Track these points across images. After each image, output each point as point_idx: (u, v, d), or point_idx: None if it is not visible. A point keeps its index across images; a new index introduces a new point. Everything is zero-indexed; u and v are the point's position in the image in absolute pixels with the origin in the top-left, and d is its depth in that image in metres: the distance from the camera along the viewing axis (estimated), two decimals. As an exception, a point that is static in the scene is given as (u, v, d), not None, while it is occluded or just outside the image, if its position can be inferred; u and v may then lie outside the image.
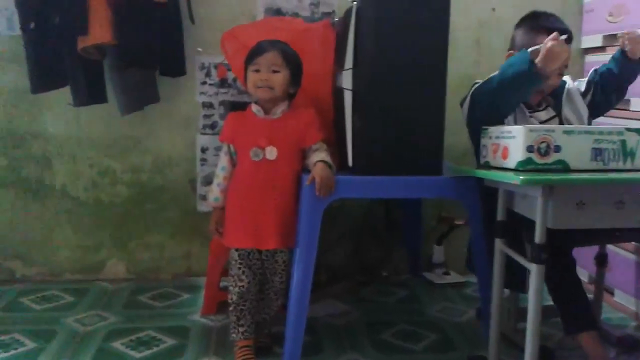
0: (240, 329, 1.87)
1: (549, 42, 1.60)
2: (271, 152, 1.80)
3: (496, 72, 1.76)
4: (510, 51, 1.91)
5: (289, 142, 1.82)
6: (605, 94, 1.97)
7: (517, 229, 1.72)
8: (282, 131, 1.82)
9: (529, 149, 1.49)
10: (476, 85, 1.87)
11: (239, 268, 1.86)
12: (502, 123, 1.78)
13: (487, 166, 1.69)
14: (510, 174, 1.47)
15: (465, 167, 1.79)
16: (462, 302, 2.42)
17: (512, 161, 1.54)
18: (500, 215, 1.71)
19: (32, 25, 2.19)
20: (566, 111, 1.92)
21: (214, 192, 1.91)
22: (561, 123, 1.89)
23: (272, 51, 1.80)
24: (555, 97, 1.93)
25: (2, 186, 2.56)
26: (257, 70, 1.80)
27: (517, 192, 1.64)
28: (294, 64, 1.83)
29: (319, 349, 1.98)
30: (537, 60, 1.61)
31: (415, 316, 2.28)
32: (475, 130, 1.82)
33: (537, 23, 1.87)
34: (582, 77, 2.07)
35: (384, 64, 1.73)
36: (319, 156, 1.77)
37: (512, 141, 1.54)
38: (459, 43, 2.55)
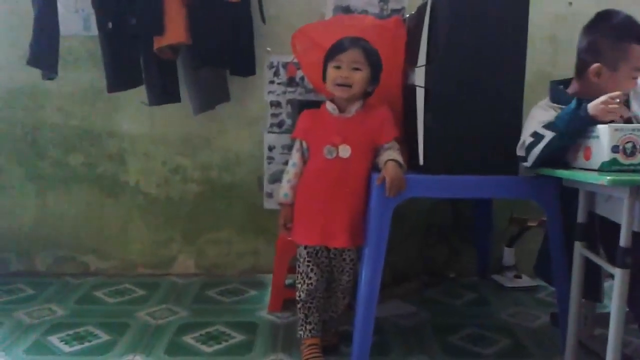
0: (308, 327, 1.87)
1: (607, 103, 1.50)
2: (344, 150, 1.79)
3: (548, 133, 1.60)
4: (597, 64, 1.71)
5: (363, 140, 1.80)
6: None
7: (592, 231, 1.65)
8: (356, 129, 1.80)
9: (614, 149, 1.42)
10: (535, 151, 1.64)
11: (307, 266, 1.85)
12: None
13: (568, 167, 1.62)
14: (596, 175, 1.40)
15: (543, 167, 1.72)
16: (535, 307, 2.34)
17: (595, 162, 1.47)
18: (581, 217, 1.64)
19: (110, 25, 2.26)
20: (636, 108, 1.80)
21: (284, 188, 1.88)
22: (630, 121, 1.77)
23: (354, 49, 1.78)
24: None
25: (79, 182, 2.66)
26: (338, 67, 1.79)
27: (599, 194, 1.57)
28: (375, 62, 1.81)
29: (387, 350, 1.95)
30: (592, 113, 1.51)
31: (485, 320, 2.21)
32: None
33: (627, 32, 1.70)
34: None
35: (459, 60, 1.69)
36: (390, 155, 1.74)
37: (596, 141, 1.47)
38: (534, 39, 2.43)
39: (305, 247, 1.86)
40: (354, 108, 1.83)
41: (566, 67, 2.28)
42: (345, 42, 1.80)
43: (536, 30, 2.48)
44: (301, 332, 1.88)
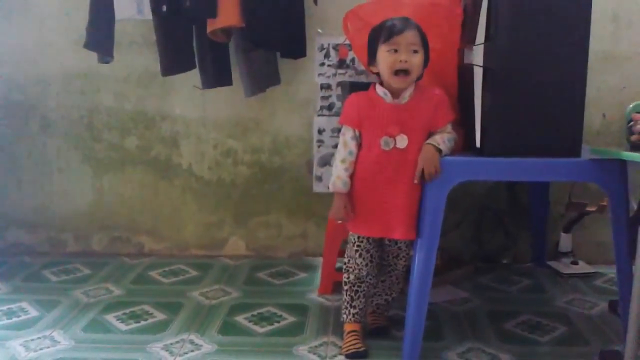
0: (352, 310, 1.85)
1: None
2: (402, 141, 1.71)
3: None
4: None
5: (419, 127, 1.73)
6: None
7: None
8: (412, 117, 1.72)
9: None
10: None
11: (356, 251, 1.83)
12: None
13: None
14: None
15: (608, 149, 1.66)
16: (593, 294, 2.27)
17: None
18: (646, 202, 1.57)
19: (164, 8, 2.27)
20: None
21: (342, 177, 1.77)
22: None
23: (411, 30, 1.67)
24: None
25: (134, 165, 2.71)
26: (395, 51, 1.67)
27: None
28: (427, 43, 1.72)
29: (439, 335, 1.93)
30: None
31: (541, 307, 2.16)
32: None
33: None
34: None
35: (519, 38, 1.62)
36: (432, 139, 1.71)
37: None
38: (595, 16, 2.35)
39: (359, 235, 1.83)
40: (407, 93, 1.73)
41: (628, 47, 2.17)
42: (399, 22, 1.69)
43: (597, 6, 2.37)
44: (344, 316, 1.87)
